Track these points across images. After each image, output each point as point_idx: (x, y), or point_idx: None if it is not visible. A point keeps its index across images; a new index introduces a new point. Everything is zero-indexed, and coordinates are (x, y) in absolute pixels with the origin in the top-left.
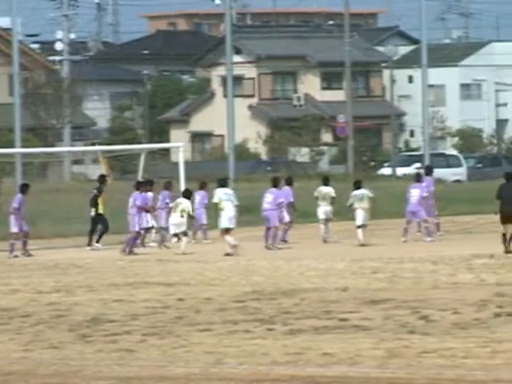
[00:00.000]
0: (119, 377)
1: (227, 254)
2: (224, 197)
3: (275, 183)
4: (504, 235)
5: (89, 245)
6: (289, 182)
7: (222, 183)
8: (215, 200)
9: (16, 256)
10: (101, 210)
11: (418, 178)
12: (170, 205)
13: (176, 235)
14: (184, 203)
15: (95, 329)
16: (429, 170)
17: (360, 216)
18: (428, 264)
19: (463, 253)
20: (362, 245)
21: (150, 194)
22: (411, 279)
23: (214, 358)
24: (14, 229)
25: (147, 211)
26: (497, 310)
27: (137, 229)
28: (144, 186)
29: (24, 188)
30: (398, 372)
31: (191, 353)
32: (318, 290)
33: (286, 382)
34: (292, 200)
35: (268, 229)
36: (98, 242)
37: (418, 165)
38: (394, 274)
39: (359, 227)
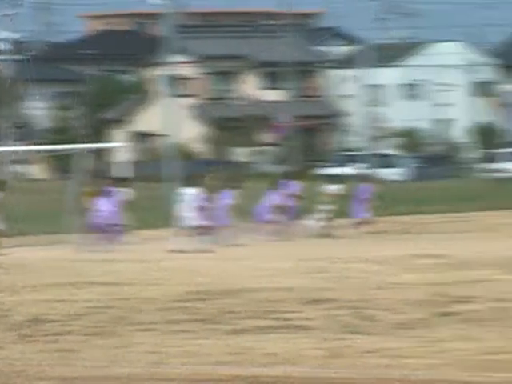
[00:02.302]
0: (62, 377)
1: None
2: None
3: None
4: None
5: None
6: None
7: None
8: None
9: None
10: None
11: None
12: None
13: None
14: None
15: (36, 329)
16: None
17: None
18: (373, 264)
19: (403, 253)
20: None
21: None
22: (356, 279)
23: (156, 357)
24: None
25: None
26: (439, 309)
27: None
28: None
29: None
30: (341, 372)
31: (133, 353)
32: (262, 290)
33: (229, 381)
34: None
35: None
36: None
37: (357, 165)
38: (340, 273)
39: None
